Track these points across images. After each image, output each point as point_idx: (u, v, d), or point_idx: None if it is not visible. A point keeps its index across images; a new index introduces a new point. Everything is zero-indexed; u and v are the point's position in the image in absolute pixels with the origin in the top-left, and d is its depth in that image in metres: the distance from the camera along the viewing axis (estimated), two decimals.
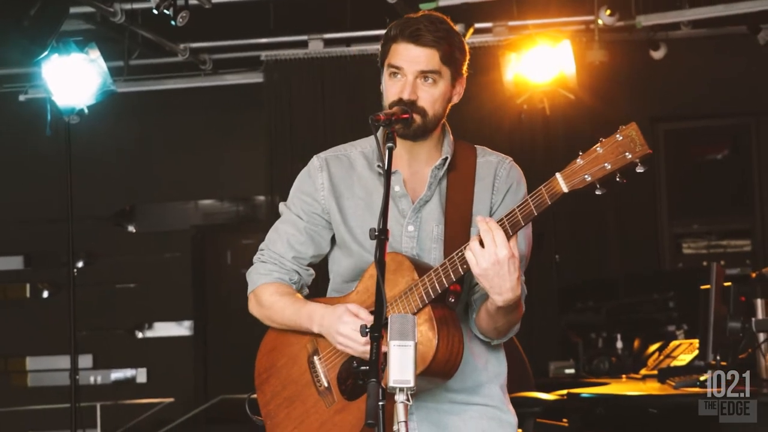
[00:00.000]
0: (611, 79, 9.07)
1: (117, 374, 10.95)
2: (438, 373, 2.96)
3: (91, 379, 10.79)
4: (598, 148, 2.73)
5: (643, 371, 6.42)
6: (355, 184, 3.23)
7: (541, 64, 8.17)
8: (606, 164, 2.71)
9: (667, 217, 9.80)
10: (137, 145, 10.65)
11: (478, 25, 8.45)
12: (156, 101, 10.10)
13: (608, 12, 8.10)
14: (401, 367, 2.63)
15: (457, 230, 3.10)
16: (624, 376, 6.63)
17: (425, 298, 2.95)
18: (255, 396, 3.35)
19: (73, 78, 7.39)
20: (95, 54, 7.46)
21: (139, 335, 10.96)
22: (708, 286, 5.19)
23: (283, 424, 3.22)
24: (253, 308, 3.34)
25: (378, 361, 2.61)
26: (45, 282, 10.92)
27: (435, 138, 3.18)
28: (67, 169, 7.40)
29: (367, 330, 2.69)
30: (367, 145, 3.29)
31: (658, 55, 8.94)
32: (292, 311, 3.20)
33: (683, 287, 7.56)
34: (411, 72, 3.05)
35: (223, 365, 10.81)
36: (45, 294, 10.98)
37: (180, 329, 10.96)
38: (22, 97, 9.63)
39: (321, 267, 3.38)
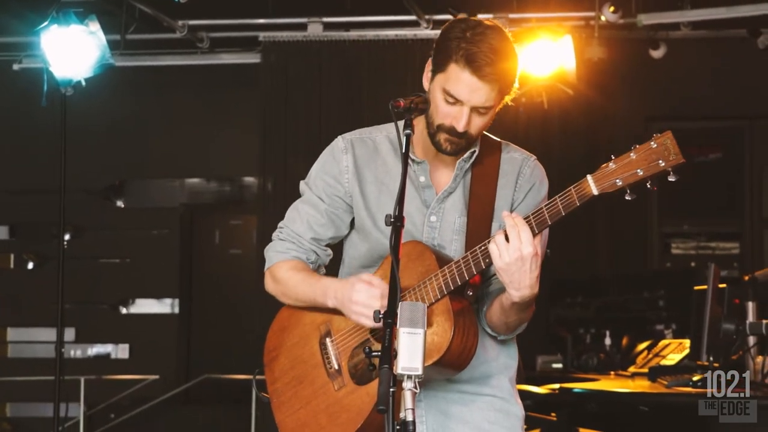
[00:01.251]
0: (609, 76, 9.09)
1: (99, 349, 10.93)
2: (450, 364, 2.97)
3: (72, 352, 10.76)
4: (631, 154, 2.73)
5: (632, 369, 6.45)
6: (379, 168, 3.22)
7: (542, 58, 8.16)
8: (638, 170, 2.72)
9: (657, 216, 9.84)
10: (130, 120, 10.60)
11: (479, 16, 8.43)
12: (151, 77, 10.06)
13: (612, 9, 8.12)
14: (410, 354, 2.62)
15: (479, 223, 3.10)
16: (612, 372, 6.65)
17: (444, 289, 2.95)
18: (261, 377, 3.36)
19: (71, 49, 7.31)
20: (95, 26, 7.39)
21: (123, 311, 10.93)
22: (704, 287, 5.20)
23: (290, 403, 3.23)
24: (269, 285, 3.33)
25: (390, 348, 2.60)
26: (30, 253, 10.87)
27: None
28: (60, 141, 7.33)
29: (381, 316, 2.68)
30: (393, 129, 3.25)
31: (657, 54, 8.95)
32: (306, 286, 3.19)
33: (672, 287, 7.59)
34: (467, 104, 3.01)
35: (207, 345, 10.81)
36: (30, 265, 10.93)
37: (165, 307, 10.95)
38: (16, 66, 9.56)
39: (337, 249, 3.38)
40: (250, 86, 9.62)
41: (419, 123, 3.12)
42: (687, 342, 6.11)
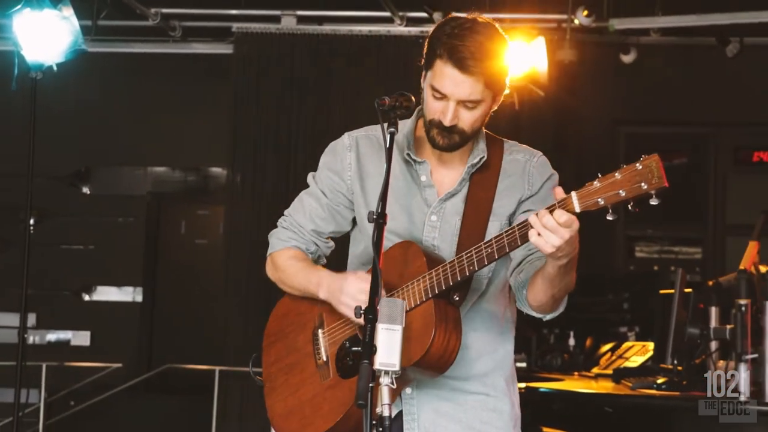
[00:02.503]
0: (579, 79, 9.16)
1: (58, 335, 10.86)
2: (430, 366, 2.99)
3: (31, 338, 10.68)
4: (616, 174, 2.69)
5: (596, 370, 6.51)
6: (382, 165, 3.20)
7: (514, 59, 8.19)
8: (621, 191, 2.68)
9: (623, 220, 9.91)
10: (99, 107, 10.54)
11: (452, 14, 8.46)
12: (122, 64, 10.02)
13: (585, 13, 8.18)
14: (388, 350, 2.66)
15: (473, 225, 3.12)
16: (576, 373, 6.71)
17: (429, 292, 2.98)
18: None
19: (44, 34, 7.26)
20: (68, 11, 7.33)
21: (86, 298, 10.87)
22: (670, 291, 5.27)
23: (280, 389, 3.30)
24: (269, 270, 3.39)
25: (371, 343, 2.63)
26: None
27: None
28: (28, 126, 7.28)
29: (362, 312, 2.71)
30: (399, 128, 3.17)
31: (628, 59, 9.03)
32: (302, 276, 3.25)
33: (636, 290, 7.66)
34: (453, 99, 3.03)
35: (169, 334, 10.79)
36: None
37: (128, 295, 10.90)
38: None
39: (342, 244, 3.43)
40: (222, 77, 9.60)
41: (421, 124, 3.17)
42: (650, 344, 6.17)
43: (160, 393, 10.18)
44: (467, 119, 3.06)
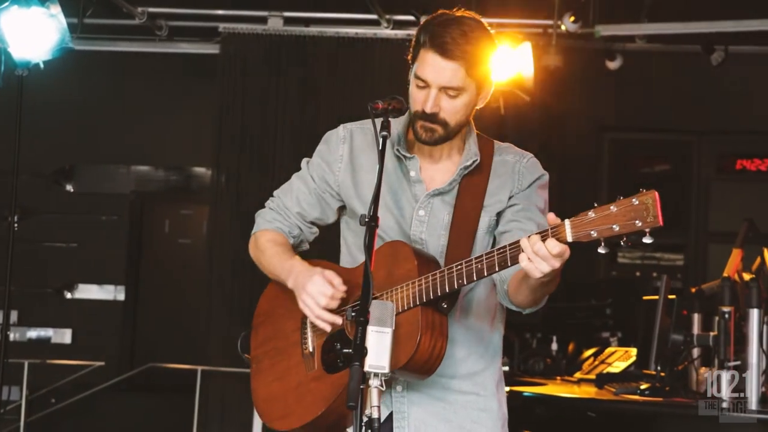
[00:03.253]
0: (564, 84, 9.19)
1: (39, 332, 10.83)
2: (416, 370, 3.01)
3: (12, 335, 10.64)
4: (612, 207, 2.64)
5: (578, 375, 6.53)
6: (375, 158, 3.21)
7: (500, 63, 8.22)
8: (614, 226, 2.62)
9: None
10: (83, 105, 10.53)
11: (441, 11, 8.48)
12: (107, 62, 10.01)
13: (572, 19, 8.20)
14: (378, 353, 2.69)
15: (464, 221, 3.15)
16: (558, 378, 6.73)
17: (417, 299, 2.99)
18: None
19: (31, 31, 7.25)
20: (56, 9, 7.31)
21: (68, 296, 10.84)
22: (654, 297, 5.30)
23: (266, 373, 3.32)
24: (251, 249, 3.43)
25: (362, 345, 2.65)
26: None
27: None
28: (12, 123, 7.27)
29: (353, 314, 2.72)
30: (393, 126, 3.21)
31: (613, 65, 9.06)
32: (277, 260, 3.27)
33: (619, 295, 7.69)
34: (434, 85, 3.06)
35: (151, 333, 10.78)
36: None
37: (110, 293, 10.88)
38: None
39: (328, 232, 3.47)
40: (207, 77, 9.59)
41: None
42: (633, 350, 6.20)
43: (142, 392, 10.16)
44: (449, 109, 3.08)
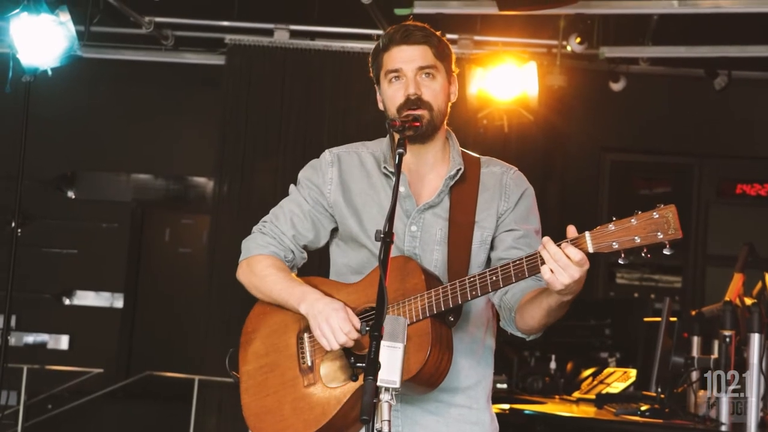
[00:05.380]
0: (567, 104, 9.25)
1: (35, 338, 10.82)
2: (422, 383, 3.04)
3: (10, 340, 10.62)
4: (632, 220, 2.73)
5: (577, 394, 6.55)
6: (365, 180, 3.31)
7: (506, 82, 8.28)
8: (636, 237, 2.72)
9: None
10: (88, 112, 10.55)
11: (447, 36, 8.53)
12: (113, 70, 10.02)
13: (578, 40, 8.24)
14: (389, 367, 2.71)
15: (460, 235, 3.19)
16: (557, 396, 6.75)
17: (427, 311, 3.02)
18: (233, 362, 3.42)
19: (40, 38, 7.29)
20: (65, 17, 7.37)
21: (66, 302, 10.85)
22: (656, 319, 5.33)
23: (258, 388, 3.29)
24: (243, 275, 3.41)
25: (376, 360, 2.67)
26: None
27: (441, 142, 3.28)
28: (20, 129, 7.29)
29: (368, 329, 2.75)
30: (377, 147, 3.36)
31: (617, 87, 9.10)
32: (283, 287, 3.26)
33: (618, 316, 7.71)
34: (410, 70, 3.17)
35: (149, 342, 10.78)
36: None
37: (109, 301, 10.88)
38: None
39: (318, 253, 3.47)
40: (212, 87, 9.62)
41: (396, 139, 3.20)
42: (632, 371, 6.23)
43: (139, 400, 10.16)
44: (429, 92, 3.17)
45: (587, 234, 2.79)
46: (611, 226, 2.76)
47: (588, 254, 2.79)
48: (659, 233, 2.70)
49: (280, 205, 3.41)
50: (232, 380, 3.39)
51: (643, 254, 2.75)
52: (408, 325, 2.96)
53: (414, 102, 3.14)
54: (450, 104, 3.28)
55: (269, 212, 3.43)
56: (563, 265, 2.78)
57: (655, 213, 2.71)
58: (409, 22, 3.24)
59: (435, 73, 3.18)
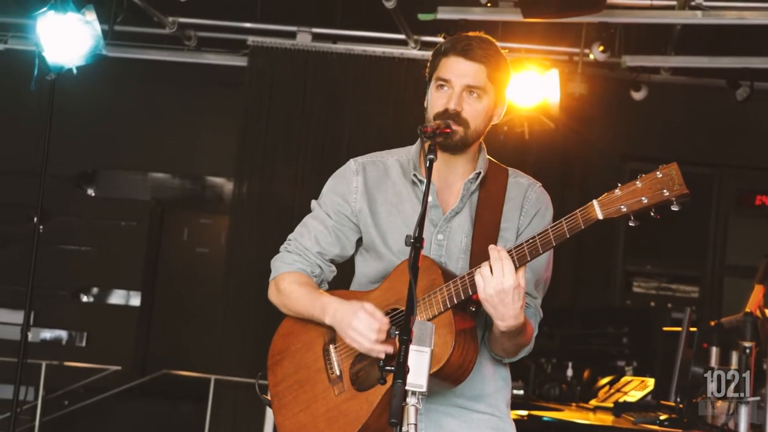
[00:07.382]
0: (588, 113, 9.24)
1: (54, 334, 10.87)
2: (449, 377, 3.06)
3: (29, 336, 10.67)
4: (637, 182, 2.82)
5: (594, 402, 6.56)
6: (389, 190, 3.32)
7: (528, 89, 8.29)
8: (643, 198, 2.80)
9: (622, 254, 9.99)
10: (109, 111, 10.59)
11: None
12: (135, 70, 10.05)
13: (601, 48, 8.24)
14: (416, 371, 2.73)
15: (484, 244, 3.16)
16: (574, 404, 6.76)
17: (448, 302, 3.04)
18: (263, 381, 3.43)
19: (66, 37, 7.34)
20: (92, 16, 7.42)
21: (84, 299, 10.89)
22: (676, 329, 5.33)
23: (290, 406, 3.31)
24: (272, 295, 3.42)
25: (404, 363, 2.69)
26: None
27: (472, 153, 3.29)
28: (44, 126, 7.34)
29: (396, 333, 2.77)
30: (403, 154, 3.38)
31: (638, 96, 9.08)
32: (307, 301, 3.28)
33: (635, 325, 7.72)
34: (458, 85, 3.16)
35: (166, 340, 10.81)
36: None
37: (126, 299, 10.92)
38: (0, 47, 9.53)
39: (344, 265, 3.47)
40: (233, 88, 9.65)
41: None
42: (649, 380, 6.23)
43: (155, 398, 10.19)
44: (471, 111, 3.17)
45: (595, 202, 2.86)
46: (617, 191, 2.83)
47: (598, 221, 2.84)
48: (665, 190, 2.77)
49: (304, 223, 3.42)
50: (265, 403, 3.41)
51: (652, 214, 2.82)
52: (429, 319, 3.03)
53: (451, 116, 3.14)
54: (491, 124, 3.28)
55: (294, 230, 3.44)
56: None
57: (658, 172, 2.80)
58: (479, 34, 3.21)
59: (482, 94, 3.17)
